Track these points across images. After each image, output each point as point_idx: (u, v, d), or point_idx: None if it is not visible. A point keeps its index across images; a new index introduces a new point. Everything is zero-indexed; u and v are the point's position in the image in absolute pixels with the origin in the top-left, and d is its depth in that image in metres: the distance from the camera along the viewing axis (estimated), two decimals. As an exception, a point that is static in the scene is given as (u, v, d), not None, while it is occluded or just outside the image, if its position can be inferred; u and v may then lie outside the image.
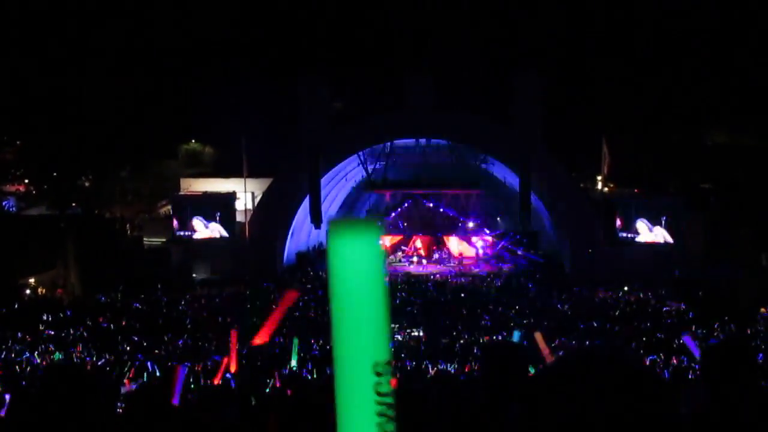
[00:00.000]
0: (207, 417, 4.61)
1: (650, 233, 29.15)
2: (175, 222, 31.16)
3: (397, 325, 19.68)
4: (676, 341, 16.77)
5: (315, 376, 11.44)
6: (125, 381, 10.42)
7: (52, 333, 18.93)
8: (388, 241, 28.68)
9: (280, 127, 35.97)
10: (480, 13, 41.66)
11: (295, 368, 10.70)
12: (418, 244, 34.05)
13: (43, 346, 16.30)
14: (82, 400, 2.43)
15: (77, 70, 39.03)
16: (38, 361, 13.94)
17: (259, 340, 6.23)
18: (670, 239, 28.90)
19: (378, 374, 0.99)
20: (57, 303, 24.81)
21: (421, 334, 19.74)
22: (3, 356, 14.77)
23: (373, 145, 31.47)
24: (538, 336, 7.56)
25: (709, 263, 26.37)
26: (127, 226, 34.36)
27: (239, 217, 31.35)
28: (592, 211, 30.65)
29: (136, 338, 18.20)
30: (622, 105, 39.08)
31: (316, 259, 32.15)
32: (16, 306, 23.34)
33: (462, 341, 18.36)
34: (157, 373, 11.03)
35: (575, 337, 18.60)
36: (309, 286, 27.07)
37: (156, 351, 16.60)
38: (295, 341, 10.43)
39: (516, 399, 2.48)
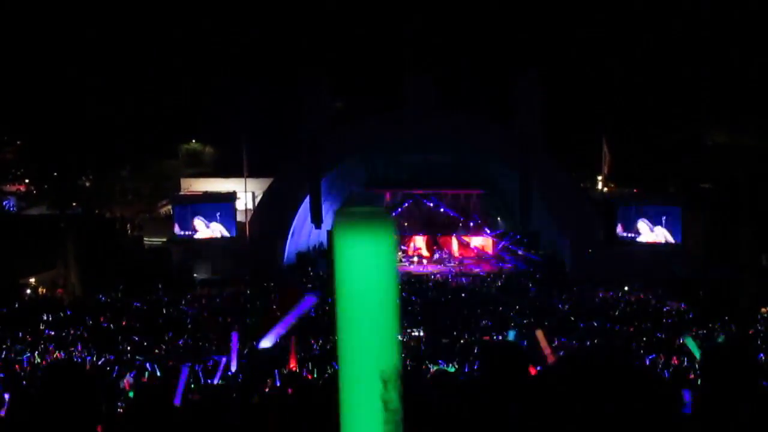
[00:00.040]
0: (207, 417, 4.61)
1: (650, 233, 29.15)
2: (175, 222, 31.15)
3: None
4: (678, 341, 16.79)
5: (315, 375, 11.43)
6: (125, 381, 10.43)
7: (53, 333, 18.94)
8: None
9: (280, 127, 35.99)
10: (480, 12, 41.67)
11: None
12: (420, 243, 34.04)
13: (42, 346, 16.30)
14: (82, 400, 2.43)
15: (77, 70, 39.02)
16: (39, 360, 13.95)
17: (266, 343, 6.18)
18: (670, 239, 28.91)
19: (385, 383, 0.96)
20: (57, 303, 24.81)
21: (421, 334, 19.74)
22: (3, 356, 14.78)
23: (373, 144, 31.46)
24: (539, 334, 7.53)
25: (709, 263, 26.37)
26: (128, 225, 34.34)
27: (239, 217, 31.35)
28: (592, 211, 30.65)
29: (136, 338, 18.21)
30: (622, 105, 39.08)
31: (316, 259, 32.15)
32: (16, 306, 23.35)
33: (462, 341, 18.36)
34: (158, 373, 11.04)
35: (575, 337, 18.59)
36: (310, 285, 27.09)
37: (156, 351, 16.61)
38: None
39: (516, 399, 2.48)
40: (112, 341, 17.64)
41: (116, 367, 12.42)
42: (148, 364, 12.30)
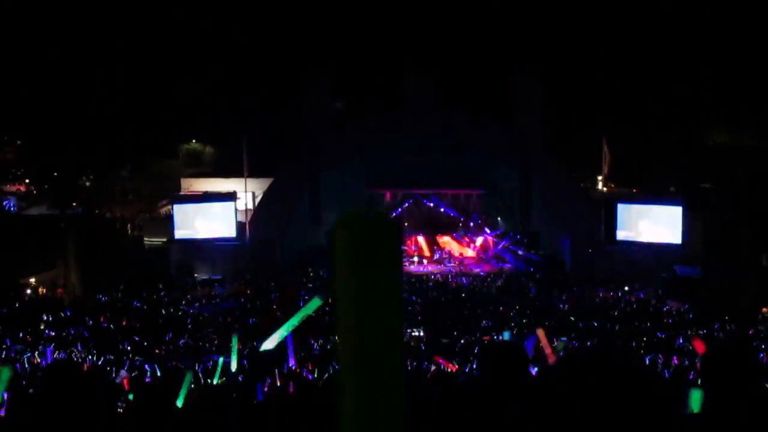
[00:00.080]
0: (207, 417, 4.61)
1: (650, 233, 29.12)
2: (175, 222, 31.13)
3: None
4: (679, 341, 16.80)
5: (315, 375, 11.42)
6: (124, 381, 10.42)
7: (53, 333, 18.93)
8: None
9: (280, 127, 36.01)
10: (480, 12, 41.67)
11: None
12: (422, 243, 34.00)
13: (41, 347, 16.29)
14: (82, 400, 2.43)
15: (77, 70, 39.03)
16: (39, 360, 13.94)
17: (268, 345, 6.15)
18: (670, 239, 28.88)
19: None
20: (57, 303, 24.81)
21: (422, 334, 19.74)
22: (3, 356, 14.78)
23: (373, 144, 31.46)
24: (540, 333, 7.47)
25: (709, 263, 26.35)
26: (128, 225, 34.36)
27: (239, 217, 31.35)
28: (592, 211, 30.66)
29: (136, 338, 18.21)
30: (622, 105, 39.09)
31: (316, 259, 32.14)
32: (16, 306, 23.35)
33: (462, 341, 18.36)
34: (158, 373, 11.03)
35: (575, 337, 18.59)
36: (310, 285, 27.10)
37: (156, 351, 16.61)
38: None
39: (516, 399, 2.48)
40: (112, 341, 17.64)
41: (116, 368, 12.42)
42: (146, 366, 12.30)
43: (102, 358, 14.48)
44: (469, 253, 33.84)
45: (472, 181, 32.73)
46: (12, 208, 38.29)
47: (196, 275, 30.00)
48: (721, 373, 2.45)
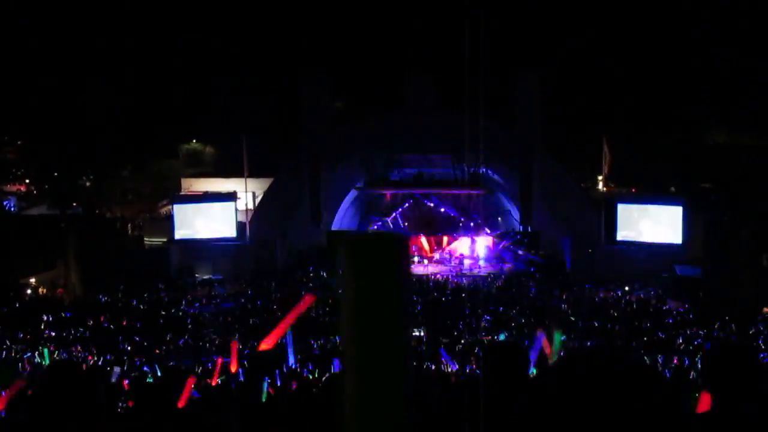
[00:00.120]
0: (208, 418, 4.61)
1: (651, 233, 29.12)
2: (175, 222, 31.12)
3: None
4: (680, 341, 16.80)
5: (316, 375, 11.43)
6: (124, 381, 10.42)
7: (53, 333, 18.94)
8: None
9: (281, 127, 36.01)
10: (480, 12, 41.59)
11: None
12: (424, 243, 33.95)
13: (41, 347, 16.30)
14: (82, 399, 2.43)
15: (78, 70, 39.03)
16: (39, 360, 13.95)
17: (265, 345, 6.14)
18: (670, 239, 28.87)
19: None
20: (57, 303, 24.82)
21: (422, 334, 19.74)
22: (3, 356, 14.78)
23: (373, 144, 31.46)
24: (541, 333, 7.48)
25: (709, 263, 26.33)
26: (128, 225, 34.32)
27: (240, 217, 31.35)
28: (593, 211, 30.66)
29: (137, 338, 18.21)
30: (622, 105, 39.07)
31: (316, 259, 32.12)
32: (16, 306, 23.35)
33: (463, 341, 18.36)
34: (158, 373, 11.04)
35: (575, 336, 18.59)
36: (311, 285, 27.09)
37: (156, 351, 16.62)
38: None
39: (517, 399, 2.48)
40: (112, 341, 17.65)
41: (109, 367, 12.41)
42: (146, 368, 12.30)
43: (102, 358, 14.48)
44: (471, 252, 33.80)
45: (473, 181, 32.69)
46: (12, 208, 38.28)
47: (196, 275, 29.99)
48: (723, 374, 2.44)
